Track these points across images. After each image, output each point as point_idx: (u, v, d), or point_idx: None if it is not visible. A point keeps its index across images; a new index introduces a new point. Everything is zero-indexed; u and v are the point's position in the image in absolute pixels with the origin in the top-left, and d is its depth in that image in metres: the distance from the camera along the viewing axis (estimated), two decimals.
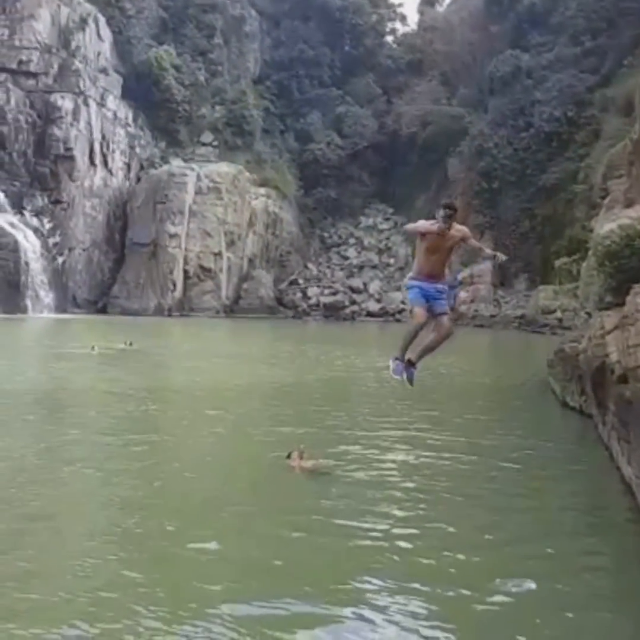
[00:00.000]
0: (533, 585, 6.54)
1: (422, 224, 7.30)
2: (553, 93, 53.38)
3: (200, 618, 5.67)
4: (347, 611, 5.91)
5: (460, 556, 7.14)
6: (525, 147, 53.67)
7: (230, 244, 55.22)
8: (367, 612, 5.91)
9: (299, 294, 57.50)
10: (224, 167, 55.83)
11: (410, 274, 7.43)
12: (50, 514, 8.13)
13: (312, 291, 57.43)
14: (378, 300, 56.08)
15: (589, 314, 17.05)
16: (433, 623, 5.76)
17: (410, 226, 7.42)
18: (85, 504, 8.77)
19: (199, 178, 54.37)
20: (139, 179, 56.88)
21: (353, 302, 56.19)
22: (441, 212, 7.07)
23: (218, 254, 54.52)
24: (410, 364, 7.53)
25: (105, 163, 54.21)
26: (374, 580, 6.50)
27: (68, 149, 50.93)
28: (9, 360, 24.32)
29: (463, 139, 56.85)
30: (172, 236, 53.06)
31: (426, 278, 7.32)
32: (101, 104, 54.19)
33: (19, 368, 22.37)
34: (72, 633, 5.39)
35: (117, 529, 7.63)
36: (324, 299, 56.41)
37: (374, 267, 59.74)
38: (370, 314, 54.85)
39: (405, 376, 7.54)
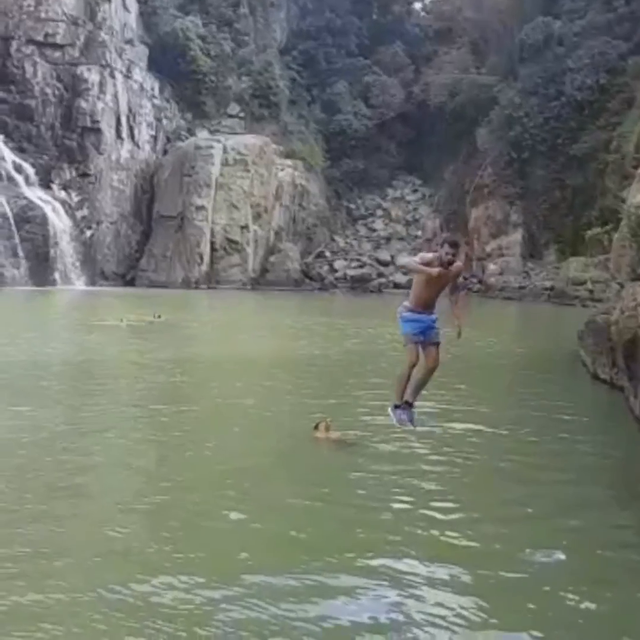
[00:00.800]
0: (562, 556, 6.49)
1: (424, 259, 7.20)
2: (585, 60, 52.19)
3: (224, 588, 5.67)
4: (372, 583, 5.89)
5: (488, 529, 7.08)
6: (556, 116, 52.65)
7: (257, 216, 55.06)
8: (392, 584, 5.88)
9: (326, 267, 57.26)
10: (250, 139, 55.51)
11: (407, 305, 7.34)
12: (78, 484, 8.19)
13: (339, 264, 57.16)
14: (405, 273, 55.64)
15: (620, 285, 16.74)
16: (459, 594, 5.72)
17: (412, 264, 7.32)
18: (112, 474, 8.83)
19: (225, 150, 54.11)
20: (165, 152, 56.76)
21: (380, 275, 55.86)
22: (447, 249, 7.04)
23: (245, 227, 54.40)
24: (409, 405, 7.47)
25: (131, 136, 54.15)
26: (400, 553, 6.46)
27: (95, 122, 50.90)
28: (40, 332, 24.56)
29: (492, 108, 55.90)
30: (199, 209, 53.01)
31: (424, 310, 7.35)
32: (127, 76, 54.02)
33: (49, 340, 22.59)
34: (104, 596, 5.44)
35: (144, 499, 7.67)
36: (351, 272, 56.15)
37: (402, 239, 59.27)
38: (397, 286, 54.41)
39: (408, 420, 7.46)
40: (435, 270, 7.00)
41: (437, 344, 7.47)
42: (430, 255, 7.17)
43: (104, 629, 5.05)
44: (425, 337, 7.26)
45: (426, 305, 7.28)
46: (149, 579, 5.77)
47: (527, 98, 54.00)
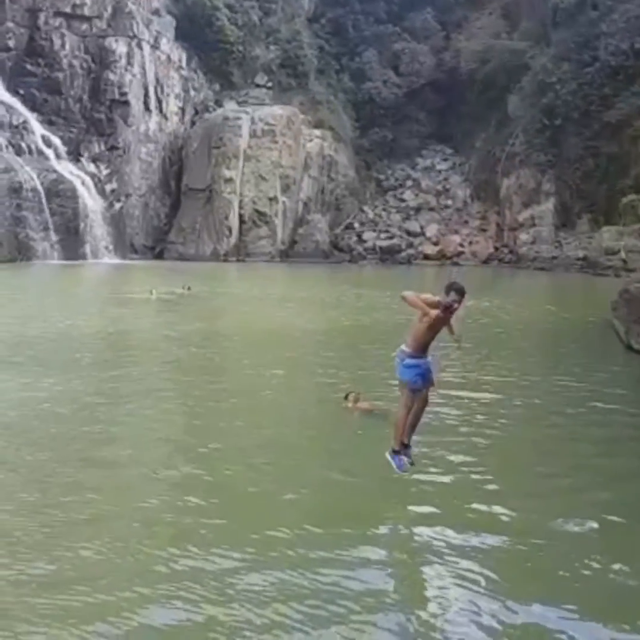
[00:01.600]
0: (595, 525, 6.42)
1: (427, 300, 7.09)
2: (620, 25, 50.83)
3: (254, 560, 5.67)
4: (404, 556, 5.85)
5: (519, 500, 7.00)
6: (590, 81, 51.46)
7: (285, 188, 54.82)
8: (420, 554, 5.83)
9: (355, 238, 56.93)
10: (278, 110, 55.11)
11: (407, 350, 7.22)
12: (110, 454, 8.24)
13: (368, 235, 56.79)
14: (435, 244, 55.20)
15: None
16: (489, 564, 5.66)
17: (414, 299, 7.14)
18: (142, 444, 8.87)
19: (253, 121, 53.80)
20: (193, 124, 56.60)
21: (409, 246, 55.43)
22: (454, 296, 6.97)
23: (273, 199, 54.21)
24: (405, 447, 7.37)
25: (159, 108, 54.03)
26: (429, 523, 6.41)
27: (123, 94, 50.85)
28: (71, 306, 24.79)
29: (524, 74, 54.85)
30: (227, 181, 52.89)
31: (423, 354, 7.23)
32: (155, 47, 53.78)
33: (80, 313, 22.78)
34: (136, 562, 5.46)
35: (175, 472, 7.67)
36: (380, 243, 55.78)
37: (432, 209, 58.63)
38: (427, 257, 54.06)
39: (408, 461, 7.35)
40: (434, 312, 6.97)
41: (432, 385, 7.39)
42: (436, 298, 7.09)
43: (137, 594, 5.09)
44: (424, 382, 7.19)
45: (425, 349, 7.21)
46: (179, 547, 5.81)
47: (560, 64, 52.85)
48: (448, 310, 7.06)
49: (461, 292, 7.02)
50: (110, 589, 5.19)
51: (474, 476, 7.67)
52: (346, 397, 10.16)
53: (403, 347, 7.27)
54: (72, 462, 7.85)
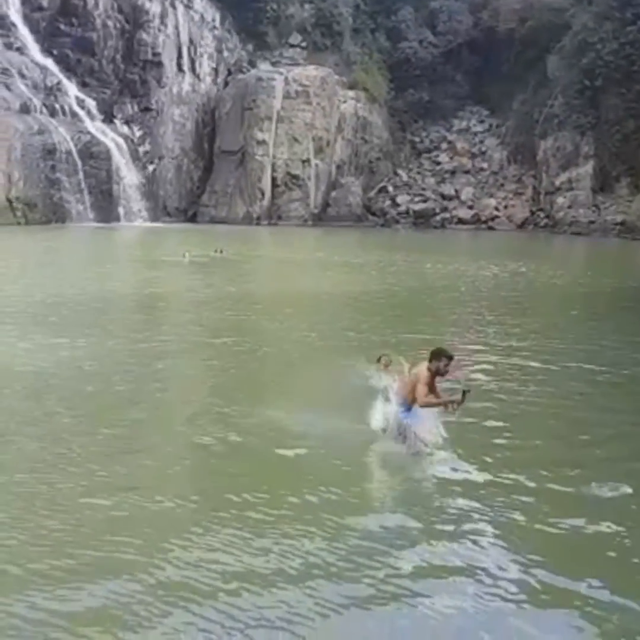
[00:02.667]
0: (629, 490, 6.31)
1: (421, 378, 7.14)
2: None
3: (286, 522, 5.64)
4: (437, 527, 5.76)
5: (551, 469, 6.87)
6: (632, 41, 49.92)
7: (319, 150, 54.29)
8: (457, 524, 5.75)
9: (388, 202, 56.35)
10: (312, 70, 54.33)
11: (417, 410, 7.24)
12: (139, 413, 8.27)
13: (402, 198, 56.17)
14: (470, 207, 54.45)
15: None
16: (523, 532, 5.57)
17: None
18: (171, 404, 8.89)
19: (286, 82, 53.18)
20: (226, 85, 56.09)
21: (444, 209, 54.75)
22: (445, 362, 7.12)
23: (306, 161, 53.75)
24: None
25: (193, 68, 53.57)
26: (462, 490, 6.32)
27: (156, 54, 50.48)
28: (105, 267, 24.94)
29: (564, 34, 53.37)
30: (260, 143, 52.51)
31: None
32: (188, 6, 53.18)
33: (114, 275, 22.94)
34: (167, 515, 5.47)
35: (201, 439, 7.65)
36: (414, 207, 55.17)
37: (467, 172, 57.71)
38: (461, 222, 53.42)
39: None
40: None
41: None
42: (424, 373, 7.15)
43: (169, 546, 5.10)
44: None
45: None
46: (209, 503, 5.81)
47: (602, 23, 51.29)
48: (441, 375, 7.20)
49: (451, 358, 7.18)
50: (137, 543, 5.24)
51: (505, 441, 7.57)
52: (379, 360, 10.10)
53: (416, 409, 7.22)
54: (108, 421, 7.91)
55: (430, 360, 7.18)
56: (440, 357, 7.15)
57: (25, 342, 11.70)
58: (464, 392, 6.97)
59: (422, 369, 7.23)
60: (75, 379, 9.63)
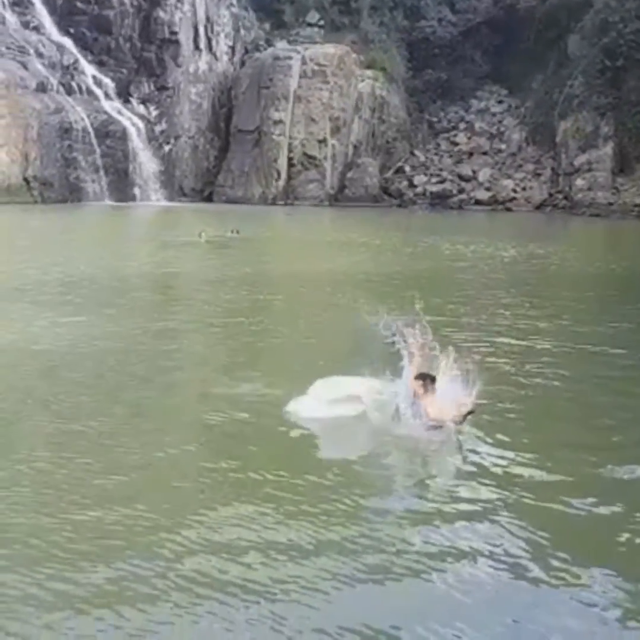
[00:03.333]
0: None
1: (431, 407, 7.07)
2: None
3: (307, 493, 5.64)
4: (451, 507, 5.74)
5: (566, 453, 6.82)
6: None
7: (335, 130, 53.95)
8: (470, 504, 5.73)
9: (405, 182, 56.00)
10: (330, 49, 53.86)
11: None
12: (153, 390, 8.30)
13: (419, 179, 55.80)
14: (487, 189, 53.97)
15: None
16: (537, 513, 5.55)
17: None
18: (183, 381, 8.91)
19: (303, 61, 52.77)
20: (243, 64, 55.77)
21: (461, 191, 54.32)
22: (420, 384, 7.06)
23: (323, 141, 53.47)
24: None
25: (209, 47, 53.25)
26: (476, 473, 6.30)
27: (173, 33, 50.20)
28: (121, 247, 25.00)
29: (585, 13, 52.61)
30: (277, 123, 52.25)
31: None
32: None
33: (130, 254, 22.97)
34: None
35: (215, 417, 7.65)
36: (431, 188, 54.80)
37: (485, 153, 57.19)
38: (478, 203, 52.99)
39: None
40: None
41: None
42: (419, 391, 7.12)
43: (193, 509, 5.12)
44: None
45: None
46: (224, 480, 5.82)
47: (623, 1, 50.51)
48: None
49: (424, 378, 7.09)
50: (155, 517, 5.28)
51: (519, 423, 7.52)
52: (392, 340, 10.01)
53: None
54: (120, 398, 7.95)
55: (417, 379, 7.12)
56: (429, 380, 7.09)
57: (42, 320, 11.77)
58: (469, 412, 6.91)
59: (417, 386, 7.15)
60: (91, 358, 9.69)
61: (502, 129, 58.41)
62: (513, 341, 11.26)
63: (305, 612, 4.28)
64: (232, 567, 4.70)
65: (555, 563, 4.90)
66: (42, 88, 44.69)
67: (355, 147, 55.29)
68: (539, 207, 52.03)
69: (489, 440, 7.00)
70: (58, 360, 9.50)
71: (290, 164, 52.79)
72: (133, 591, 4.41)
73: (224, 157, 53.85)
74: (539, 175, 54.31)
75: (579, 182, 50.47)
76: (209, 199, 52.28)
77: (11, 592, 4.38)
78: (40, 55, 45.81)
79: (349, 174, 54.33)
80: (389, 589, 4.57)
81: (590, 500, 5.80)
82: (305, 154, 52.90)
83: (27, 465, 6.20)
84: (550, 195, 52.88)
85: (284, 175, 52.63)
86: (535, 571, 4.80)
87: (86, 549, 4.90)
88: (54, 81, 45.46)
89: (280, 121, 52.10)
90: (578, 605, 4.46)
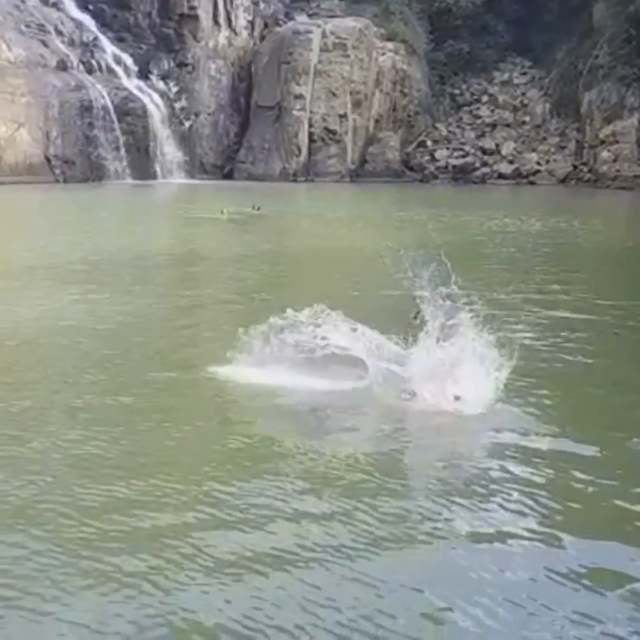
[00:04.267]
0: None
1: None
2: None
3: (331, 472, 5.61)
4: (478, 484, 5.69)
5: (592, 429, 6.73)
6: None
7: (356, 104, 53.49)
8: (498, 483, 5.68)
9: (427, 157, 55.48)
10: (350, 22, 53.22)
11: None
12: (176, 377, 8.29)
13: (441, 153, 55.26)
14: (511, 162, 53.34)
15: None
16: (565, 490, 5.47)
17: None
18: (204, 353, 8.89)
19: (324, 34, 52.20)
20: (263, 38, 55.33)
21: (484, 164, 53.71)
22: None
23: (343, 116, 53.02)
24: None
25: (229, 22, 52.80)
26: (501, 451, 6.23)
27: (192, 8, 49.79)
28: (143, 225, 25.02)
29: None
30: (297, 98, 51.87)
31: None
32: None
33: (152, 232, 23.02)
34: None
35: (231, 396, 7.64)
36: (453, 162, 54.25)
37: (508, 125, 56.45)
38: (502, 177, 52.41)
39: None
40: None
41: None
42: None
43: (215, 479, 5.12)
44: None
45: None
46: (239, 455, 5.80)
47: None
48: None
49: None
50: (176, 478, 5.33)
51: (535, 399, 7.38)
52: (415, 317, 9.92)
53: None
54: (139, 377, 7.97)
55: None
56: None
57: (67, 297, 11.83)
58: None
59: None
60: (116, 334, 9.70)
61: (526, 101, 57.58)
62: (538, 313, 11.13)
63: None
64: (273, 537, 4.68)
65: (587, 539, 4.83)
66: (62, 66, 44.66)
67: (376, 121, 54.81)
68: (563, 180, 51.37)
69: (516, 415, 6.91)
70: (81, 337, 9.52)
71: (311, 140, 52.46)
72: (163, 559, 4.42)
73: (244, 134, 53.63)
74: (563, 148, 53.57)
75: (604, 154, 49.71)
76: (229, 175, 52.13)
77: (46, 562, 4.39)
78: (60, 33, 45.75)
79: (370, 149, 53.93)
80: (411, 558, 4.55)
81: (618, 473, 5.73)
82: (325, 129, 52.54)
83: (57, 438, 6.23)
84: (575, 168, 52.16)
85: (304, 150, 52.34)
86: (568, 544, 4.73)
87: (117, 519, 4.91)
88: (74, 59, 45.41)
89: (301, 96, 51.73)
90: (609, 591, 4.35)
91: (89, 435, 6.28)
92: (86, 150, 44.63)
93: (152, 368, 8.21)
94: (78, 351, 8.97)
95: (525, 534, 4.87)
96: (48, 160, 43.30)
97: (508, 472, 5.75)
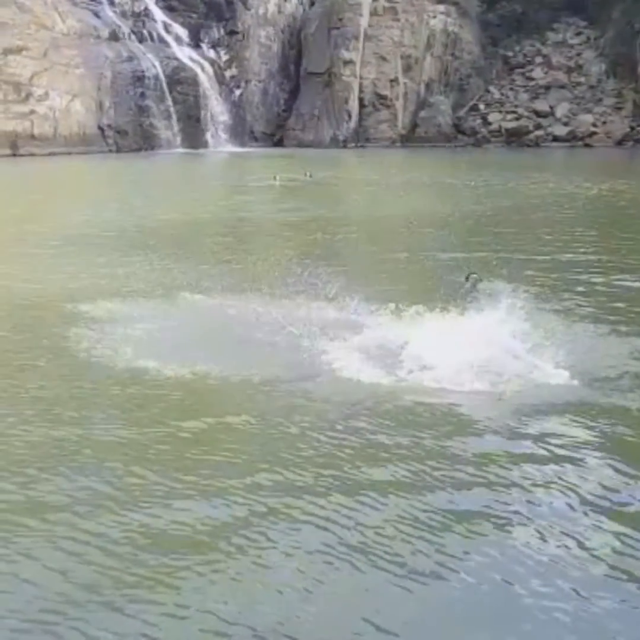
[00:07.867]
0: None
1: None
2: None
3: (359, 446, 5.75)
4: (520, 445, 5.76)
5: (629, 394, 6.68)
6: None
7: (407, 68, 52.83)
8: (522, 452, 5.75)
9: (479, 120, 54.64)
10: None
11: None
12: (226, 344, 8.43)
13: (493, 116, 54.35)
14: (565, 124, 52.21)
15: None
16: (599, 453, 5.52)
17: None
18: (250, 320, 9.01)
19: None
20: (312, 4, 54.88)
21: (538, 127, 52.68)
22: None
23: (394, 80, 52.45)
24: None
25: None
26: (528, 417, 6.25)
27: None
28: (196, 193, 25.32)
29: None
30: (347, 63, 51.44)
31: None
32: None
33: (205, 200, 23.28)
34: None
35: (272, 370, 7.74)
36: (506, 125, 53.33)
37: (562, 87, 55.13)
38: (556, 139, 51.39)
39: None
40: None
41: None
42: None
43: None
44: None
45: None
46: (258, 435, 5.97)
47: None
48: None
49: None
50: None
51: (558, 371, 7.08)
52: (467, 279, 9.86)
53: None
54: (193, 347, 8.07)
55: None
56: None
57: (124, 266, 12.01)
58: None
59: None
60: (173, 304, 9.69)
61: (581, 61, 56.12)
62: (592, 277, 11.05)
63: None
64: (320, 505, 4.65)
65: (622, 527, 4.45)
66: (114, 37, 45.10)
67: (427, 85, 54.11)
68: (620, 142, 50.14)
69: (555, 373, 6.75)
70: (140, 304, 9.49)
71: (361, 105, 52.09)
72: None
73: (294, 101, 53.49)
74: (619, 109, 52.18)
75: None
76: (279, 143, 52.17)
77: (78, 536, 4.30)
78: (111, 3, 46.14)
79: (421, 114, 53.32)
80: (449, 535, 4.35)
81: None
82: (376, 94, 52.08)
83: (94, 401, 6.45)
84: (632, 129, 50.84)
85: (354, 116, 52.02)
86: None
87: (161, 490, 4.80)
88: (125, 29, 45.79)
89: (351, 61, 51.28)
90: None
91: (136, 401, 6.50)
92: (138, 120, 45.15)
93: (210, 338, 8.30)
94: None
95: None
96: (101, 130, 43.96)
97: (557, 433, 5.80)
